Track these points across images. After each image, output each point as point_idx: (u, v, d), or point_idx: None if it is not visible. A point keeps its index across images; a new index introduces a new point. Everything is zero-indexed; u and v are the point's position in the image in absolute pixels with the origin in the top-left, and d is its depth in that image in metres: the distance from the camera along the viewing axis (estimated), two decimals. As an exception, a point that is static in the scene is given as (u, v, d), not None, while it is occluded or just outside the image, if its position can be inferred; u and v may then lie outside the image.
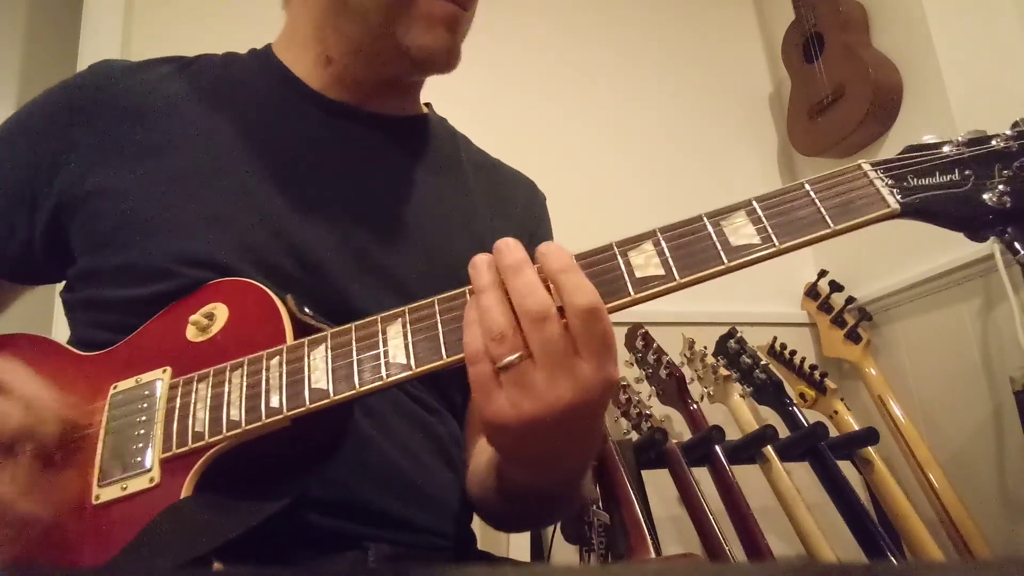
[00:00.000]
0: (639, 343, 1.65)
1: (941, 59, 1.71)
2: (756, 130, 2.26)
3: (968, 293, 1.64)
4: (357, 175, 0.73)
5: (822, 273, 1.85)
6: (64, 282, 0.72)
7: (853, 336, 1.80)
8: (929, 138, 0.55)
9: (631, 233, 0.52)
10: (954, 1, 1.78)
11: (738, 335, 1.66)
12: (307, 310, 0.58)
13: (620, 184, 2.04)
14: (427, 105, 0.87)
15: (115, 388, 0.57)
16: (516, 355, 0.46)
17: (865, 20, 1.93)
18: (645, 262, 0.50)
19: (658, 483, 1.44)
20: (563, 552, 1.42)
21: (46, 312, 1.40)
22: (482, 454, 0.70)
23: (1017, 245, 0.52)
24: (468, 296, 0.51)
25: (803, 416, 1.54)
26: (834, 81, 1.91)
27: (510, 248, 0.49)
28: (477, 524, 0.76)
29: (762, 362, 1.62)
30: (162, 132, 0.69)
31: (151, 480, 0.52)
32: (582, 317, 0.46)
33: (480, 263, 0.49)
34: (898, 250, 1.78)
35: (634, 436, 1.53)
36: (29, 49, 2.25)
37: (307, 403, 0.51)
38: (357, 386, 0.51)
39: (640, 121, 2.14)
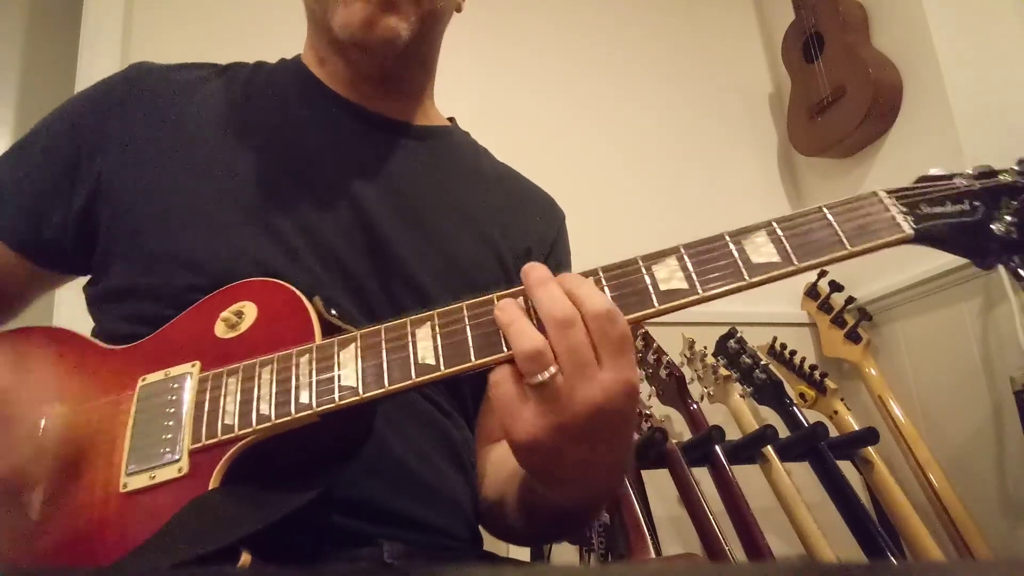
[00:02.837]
0: (639, 343, 1.65)
1: (941, 59, 1.71)
2: (756, 130, 2.26)
3: (968, 293, 1.64)
4: (381, 179, 0.75)
5: (822, 273, 1.85)
6: (89, 277, 0.74)
7: (853, 336, 1.80)
8: (936, 170, 0.58)
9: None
10: (954, 1, 1.78)
11: (738, 335, 1.66)
12: (334, 312, 0.59)
13: (620, 184, 2.04)
14: (451, 120, 0.89)
15: (143, 380, 0.58)
16: (549, 372, 0.47)
17: (865, 20, 1.93)
18: (669, 276, 0.52)
19: (658, 483, 1.44)
20: (563, 552, 1.43)
21: (46, 311, 1.40)
22: (500, 469, 0.71)
23: (1022, 272, 0.55)
24: (496, 302, 0.53)
25: (803, 416, 1.54)
26: (834, 81, 1.91)
27: (535, 267, 0.51)
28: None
29: (762, 362, 1.62)
30: (196, 131, 0.72)
31: (180, 470, 0.52)
32: (599, 320, 0.47)
33: (504, 303, 0.51)
34: (898, 250, 1.76)
35: (634, 436, 1.53)
36: (29, 49, 2.25)
37: (337, 400, 0.52)
38: (386, 385, 0.52)
39: (640, 121, 2.14)
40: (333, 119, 0.77)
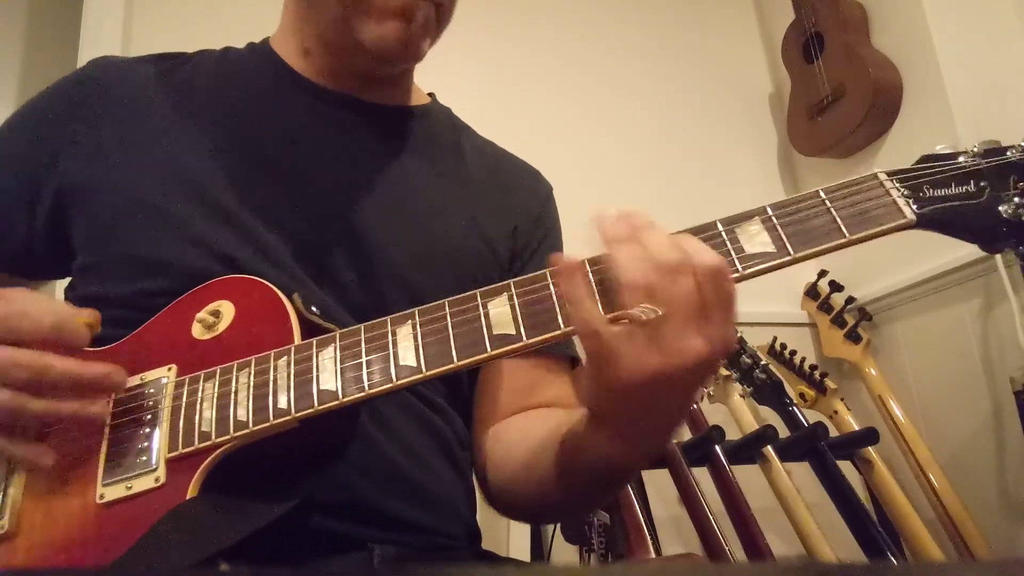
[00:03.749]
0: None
1: (941, 59, 1.71)
2: (756, 130, 2.26)
3: (968, 293, 1.63)
4: (353, 164, 0.73)
5: (822, 273, 1.85)
6: (68, 281, 0.72)
7: (853, 336, 1.80)
8: (942, 148, 0.55)
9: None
10: (954, 1, 1.78)
11: (738, 335, 1.66)
12: (314, 309, 0.58)
13: (620, 184, 2.04)
14: (431, 95, 0.87)
15: None
16: (657, 312, 0.46)
17: (865, 20, 1.93)
18: None
19: (658, 483, 1.44)
20: (563, 552, 1.43)
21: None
22: (525, 439, 0.68)
23: (1032, 259, 0.52)
24: (479, 299, 0.51)
25: (803, 416, 1.54)
26: (834, 81, 1.91)
27: (638, 212, 0.49)
28: (479, 523, 0.75)
29: (762, 362, 1.62)
30: (160, 125, 0.70)
31: (156, 480, 0.51)
32: (712, 277, 0.46)
33: (608, 217, 0.49)
34: (898, 250, 1.78)
35: (634, 436, 1.52)
36: (29, 49, 2.25)
37: (316, 404, 0.51)
38: (367, 388, 0.50)
39: (640, 121, 2.13)
40: (304, 107, 0.74)
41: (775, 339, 1.78)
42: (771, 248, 0.50)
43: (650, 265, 0.46)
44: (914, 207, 0.51)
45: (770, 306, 1.95)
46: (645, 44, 2.23)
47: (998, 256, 1.51)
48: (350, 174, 0.72)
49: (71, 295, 0.70)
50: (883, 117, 1.83)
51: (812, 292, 1.92)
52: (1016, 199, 0.52)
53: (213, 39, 0.82)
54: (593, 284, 0.49)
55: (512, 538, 1.43)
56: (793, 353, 1.75)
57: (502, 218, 0.79)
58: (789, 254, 0.50)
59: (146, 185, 0.67)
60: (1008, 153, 0.54)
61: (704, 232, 0.52)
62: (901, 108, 1.82)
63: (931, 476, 1.55)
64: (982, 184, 0.53)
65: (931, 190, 0.52)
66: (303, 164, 0.71)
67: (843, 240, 0.50)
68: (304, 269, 0.66)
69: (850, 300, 1.84)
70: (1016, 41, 1.76)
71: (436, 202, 0.76)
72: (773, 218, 0.51)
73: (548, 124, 2.03)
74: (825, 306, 1.87)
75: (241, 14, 1.81)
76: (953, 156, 0.54)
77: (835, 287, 1.81)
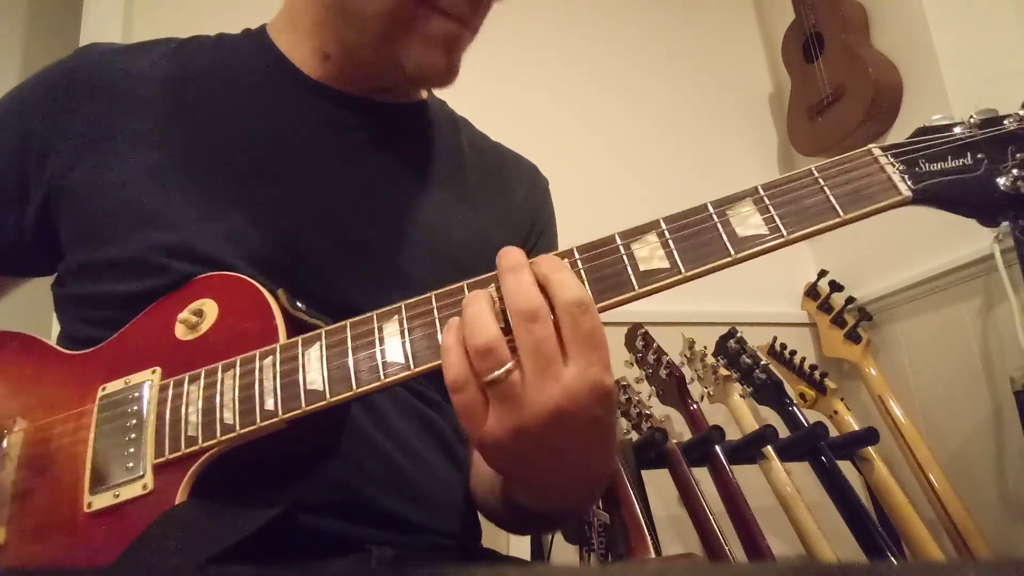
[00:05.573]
0: (639, 343, 1.64)
1: (941, 59, 1.71)
2: (756, 130, 2.26)
3: (968, 293, 1.63)
4: (353, 163, 0.71)
5: (822, 273, 1.85)
6: (55, 275, 0.71)
7: (853, 336, 1.80)
8: (938, 118, 0.53)
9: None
10: (954, 1, 1.78)
11: (738, 335, 1.66)
12: (300, 305, 0.56)
13: (620, 184, 2.04)
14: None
15: (103, 390, 0.55)
16: (504, 369, 0.43)
17: (865, 20, 1.93)
18: (650, 254, 0.49)
19: (658, 483, 1.43)
20: (563, 552, 1.42)
21: (47, 310, 1.40)
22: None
23: (1031, 232, 0.50)
24: (466, 290, 0.50)
25: (803, 416, 1.54)
26: (834, 81, 1.91)
27: (510, 252, 0.47)
28: (480, 520, 0.75)
29: (762, 362, 1.62)
30: (152, 120, 0.68)
31: (144, 487, 0.50)
32: (569, 311, 0.44)
33: (470, 293, 0.48)
34: (898, 250, 1.78)
35: (634, 436, 1.53)
36: (29, 49, 2.25)
37: (303, 405, 0.49)
38: (354, 387, 0.49)
39: (640, 121, 2.13)
40: (304, 105, 0.72)
41: (775, 339, 1.78)
42: (763, 230, 0.48)
43: (493, 329, 0.44)
44: (910, 183, 0.49)
45: (770, 306, 1.95)
46: (645, 44, 2.23)
47: (998, 256, 1.51)
48: (352, 176, 0.70)
49: (58, 291, 0.69)
50: (883, 117, 1.83)
51: (812, 292, 1.92)
52: (1015, 171, 0.49)
53: (213, 39, 0.81)
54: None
55: (512, 537, 1.43)
56: (793, 353, 1.75)
57: (503, 215, 0.78)
58: (783, 236, 0.48)
59: (136, 185, 0.64)
60: (1005, 123, 0.51)
61: (695, 215, 0.50)
62: (901, 108, 1.82)
63: (931, 476, 1.55)
64: (979, 156, 0.50)
65: (927, 164, 0.50)
66: (305, 167, 0.69)
67: (837, 219, 0.48)
68: (304, 275, 0.64)
69: (850, 300, 1.84)
70: (1016, 41, 1.76)
71: (439, 204, 0.74)
72: (765, 198, 0.50)
73: (548, 125, 2.03)
74: (825, 306, 1.87)
75: (242, 14, 1.81)
76: (949, 127, 0.52)
77: (835, 287, 1.81)
